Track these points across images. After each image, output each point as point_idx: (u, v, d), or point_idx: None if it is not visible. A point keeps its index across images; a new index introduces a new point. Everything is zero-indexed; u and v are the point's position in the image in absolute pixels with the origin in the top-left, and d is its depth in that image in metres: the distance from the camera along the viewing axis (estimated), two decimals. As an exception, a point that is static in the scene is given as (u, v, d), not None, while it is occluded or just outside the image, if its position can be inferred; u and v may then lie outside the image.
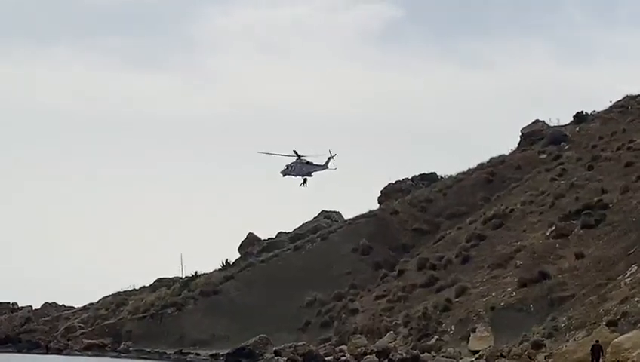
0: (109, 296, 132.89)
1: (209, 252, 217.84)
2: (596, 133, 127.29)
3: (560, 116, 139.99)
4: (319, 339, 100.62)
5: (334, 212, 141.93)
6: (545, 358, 72.56)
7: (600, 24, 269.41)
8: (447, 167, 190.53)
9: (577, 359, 68.44)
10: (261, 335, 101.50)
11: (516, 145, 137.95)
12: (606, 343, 66.15)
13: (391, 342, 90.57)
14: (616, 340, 66.16)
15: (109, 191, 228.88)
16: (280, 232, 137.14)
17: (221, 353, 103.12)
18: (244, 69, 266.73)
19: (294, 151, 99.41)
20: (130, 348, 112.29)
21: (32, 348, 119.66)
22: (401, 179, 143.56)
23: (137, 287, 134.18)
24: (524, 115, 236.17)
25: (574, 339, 71.59)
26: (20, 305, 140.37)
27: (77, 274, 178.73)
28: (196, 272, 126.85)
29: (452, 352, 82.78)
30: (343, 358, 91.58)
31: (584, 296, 79.97)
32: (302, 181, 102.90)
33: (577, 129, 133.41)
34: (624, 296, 73.54)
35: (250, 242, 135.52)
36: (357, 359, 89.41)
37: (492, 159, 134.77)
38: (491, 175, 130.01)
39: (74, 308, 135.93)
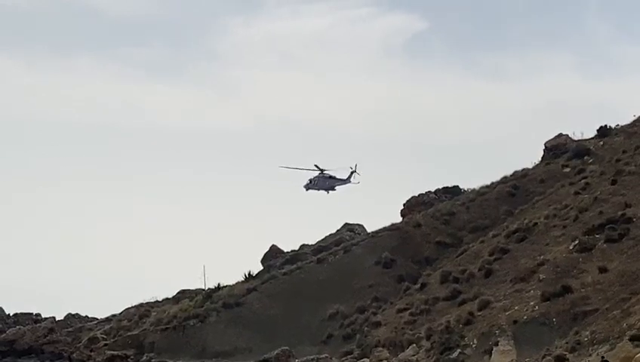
0: (132, 307, 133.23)
1: (232, 264, 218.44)
2: (620, 146, 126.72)
3: (584, 130, 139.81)
4: (341, 352, 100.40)
5: (357, 225, 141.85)
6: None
7: (623, 37, 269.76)
8: (471, 181, 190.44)
9: (600, 374, 68.16)
10: (283, 347, 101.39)
11: (540, 159, 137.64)
12: (629, 358, 65.89)
13: (413, 356, 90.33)
14: (639, 355, 65.91)
15: (132, 202, 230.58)
16: (303, 244, 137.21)
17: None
18: (266, 81, 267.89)
19: (315, 166, 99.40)
20: (153, 360, 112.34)
21: (55, 358, 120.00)
22: (424, 193, 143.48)
23: (160, 299, 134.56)
24: (547, 128, 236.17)
25: (597, 354, 71.25)
26: (43, 316, 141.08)
27: (100, 286, 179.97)
28: (219, 284, 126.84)
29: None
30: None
31: (607, 310, 79.58)
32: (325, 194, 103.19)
33: (601, 143, 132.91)
34: (648, 311, 73.29)
35: (273, 254, 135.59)
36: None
37: (515, 172, 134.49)
38: (514, 188, 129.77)
39: (97, 319, 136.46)
